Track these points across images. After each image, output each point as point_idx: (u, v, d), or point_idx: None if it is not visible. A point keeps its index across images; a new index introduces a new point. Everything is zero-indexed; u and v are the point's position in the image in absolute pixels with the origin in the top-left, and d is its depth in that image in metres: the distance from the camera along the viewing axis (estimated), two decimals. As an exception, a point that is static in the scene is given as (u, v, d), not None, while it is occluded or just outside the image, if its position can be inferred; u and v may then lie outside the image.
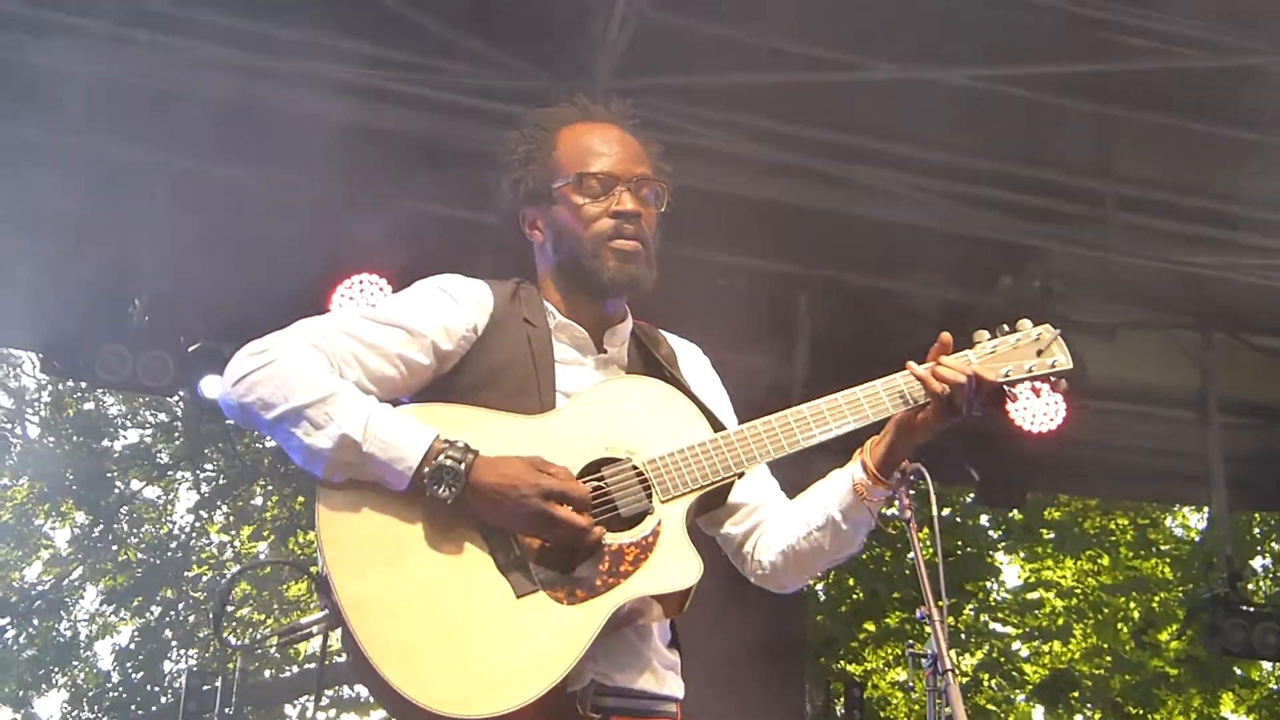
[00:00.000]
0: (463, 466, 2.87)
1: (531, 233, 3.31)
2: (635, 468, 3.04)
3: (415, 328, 3.09)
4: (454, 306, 3.15)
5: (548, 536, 2.91)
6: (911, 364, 3.18)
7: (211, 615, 19.47)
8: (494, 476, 2.89)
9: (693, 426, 3.12)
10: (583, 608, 2.87)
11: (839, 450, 3.29)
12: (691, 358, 3.46)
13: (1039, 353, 3.25)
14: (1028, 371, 3.24)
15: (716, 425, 3.17)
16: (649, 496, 3.01)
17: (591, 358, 3.24)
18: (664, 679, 3.14)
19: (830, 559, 3.27)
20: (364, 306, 3.17)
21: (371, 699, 2.94)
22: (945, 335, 3.19)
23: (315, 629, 2.93)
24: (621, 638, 3.01)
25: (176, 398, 18.96)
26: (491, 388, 3.10)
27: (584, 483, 2.98)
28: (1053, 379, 3.28)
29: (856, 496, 3.17)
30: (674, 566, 2.95)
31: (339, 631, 2.89)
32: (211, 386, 8.52)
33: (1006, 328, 3.29)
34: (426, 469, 2.87)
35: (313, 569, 2.98)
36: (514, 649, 2.82)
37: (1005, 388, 3.24)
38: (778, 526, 3.30)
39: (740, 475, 3.13)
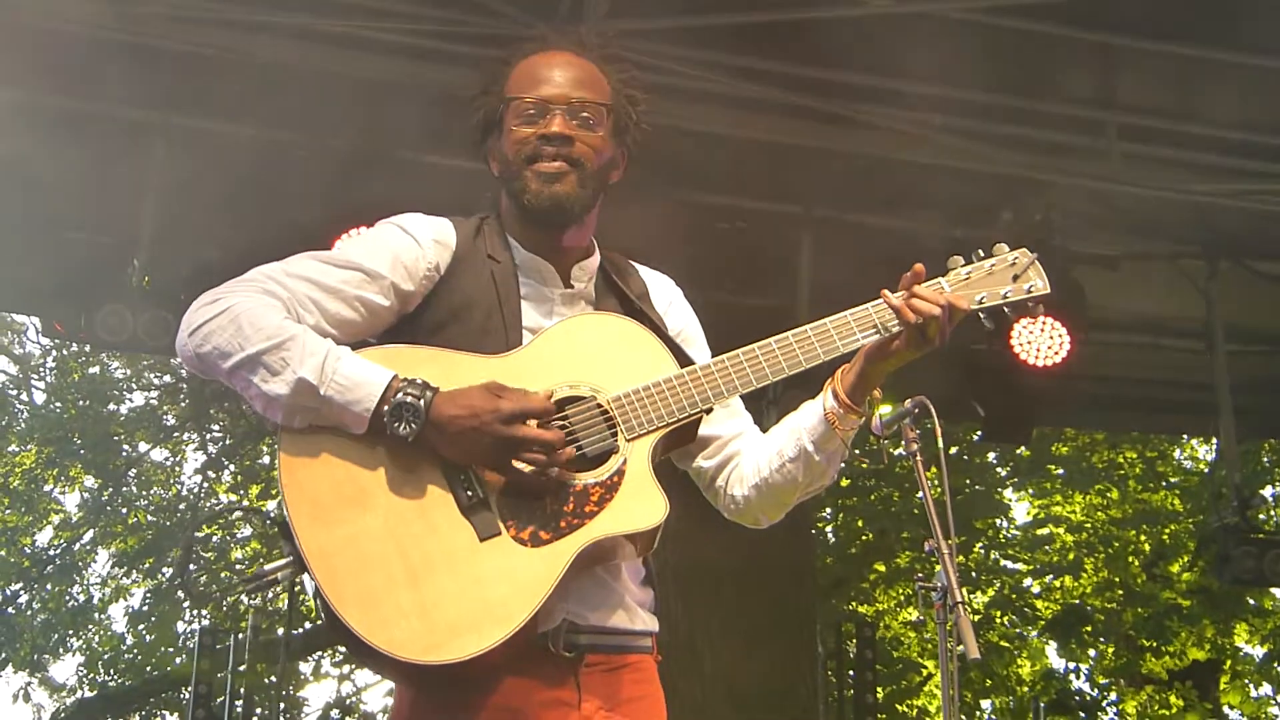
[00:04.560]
0: (422, 403, 2.84)
1: (491, 164, 3.26)
2: (600, 406, 3.00)
3: (374, 269, 3.06)
4: (414, 246, 3.11)
5: (515, 460, 2.87)
6: (886, 293, 3.11)
7: (175, 565, 19.55)
8: (453, 409, 2.85)
9: (659, 363, 3.07)
10: (547, 550, 2.85)
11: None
12: (664, 290, 3.41)
13: (1015, 278, 3.18)
14: (1003, 297, 3.18)
15: (684, 360, 3.12)
16: (614, 435, 2.98)
17: (558, 293, 3.19)
18: (637, 615, 3.12)
19: (804, 491, 3.20)
20: (322, 251, 3.12)
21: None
22: (919, 266, 3.13)
23: (280, 575, 2.97)
24: (593, 576, 2.99)
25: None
26: (456, 326, 3.07)
27: (553, 421, 2.95)
28: (1030, 304, 3.21)
29: (829, 426, 3.11)
30: (640, 506, 2.92)
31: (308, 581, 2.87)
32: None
33: (982, 253, 3.21)
34: (386, 407, 2.84)
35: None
36: (478, 593, 2.80)
37: (980, 316, 3.19)
38: (750, 460, 3.25)
39: (708, 411, 3.08)
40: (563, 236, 3.17)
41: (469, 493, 2.88)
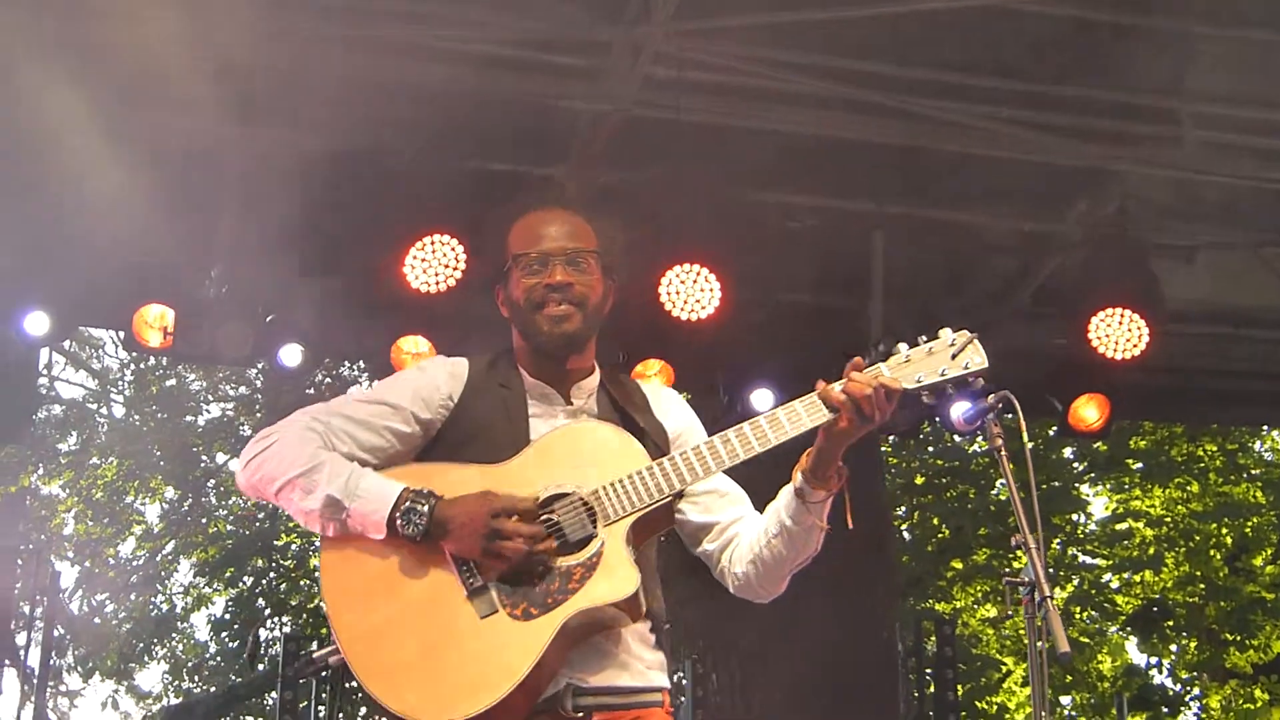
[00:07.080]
0: (426, 508, 3.44)
1: (501, 308, 3.81)
2: (582, 499, 3.51)
3: (396, 402, 3.67)
4: (430, 381, 3.72)
5: (502, 550, 3.40)
6: (821, 382, 3.48)
7: (247, 655, 20.40)
8: (451, 510, 3.44)
9: (635, 459, 3.57)
10: (535, 623, 3.39)
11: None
12: (662, 400, 3.91)
13: (953, 356, 3.48)
14: (941, 375, 3.48)
15: (658, 456, 3.59)
16: (594, 523, 3.48)
17: (561, 410, 3.73)
18: (640, 673, 3.58)
19: (793, 562, 3.64)
20: (357, 390, 3.64)
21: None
22: (857, 358, 3.49)
23: (331, 659, 3.55)
24: (591, 644, 3.50)
25: (256, 370, 19.22)
26: (472, 444, 3.63)
27: (538, 516, 3.47)
28: (970, 379, 3.49)
29: (799, 501, 3.52)
30: (614, 581, 3.43)
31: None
32: (290, 355, 8.65)
33: (924, 338, 3.51)
34: (398, 514, 3.44)
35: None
36: (478, 663, 3.37)
37: (922, 394, 3.51)
38: (746, 540, 3.71)
39: (678, 495, 3.57)
40: (566, 362, 3.73)
41: (471, 580, 3.45)
